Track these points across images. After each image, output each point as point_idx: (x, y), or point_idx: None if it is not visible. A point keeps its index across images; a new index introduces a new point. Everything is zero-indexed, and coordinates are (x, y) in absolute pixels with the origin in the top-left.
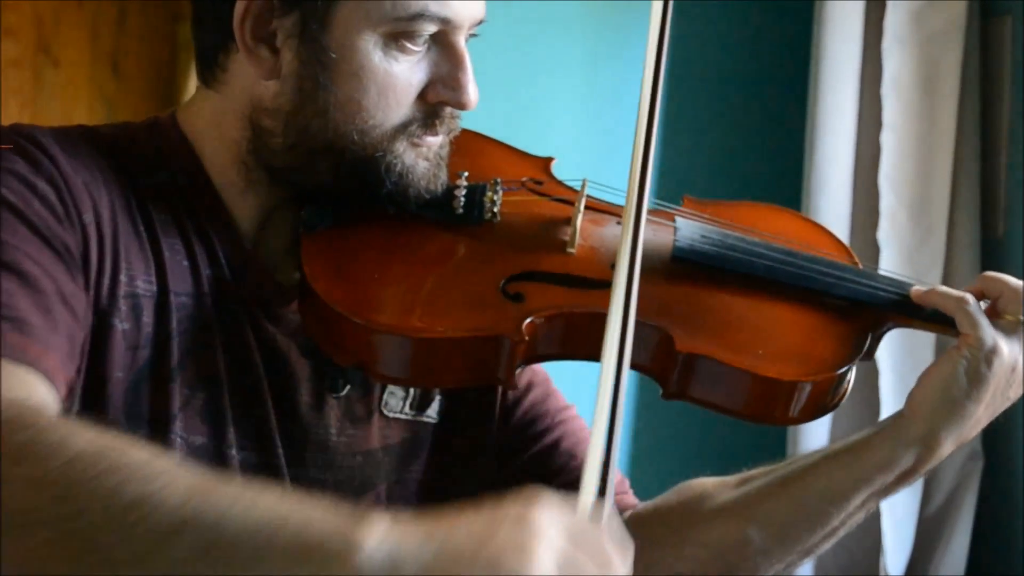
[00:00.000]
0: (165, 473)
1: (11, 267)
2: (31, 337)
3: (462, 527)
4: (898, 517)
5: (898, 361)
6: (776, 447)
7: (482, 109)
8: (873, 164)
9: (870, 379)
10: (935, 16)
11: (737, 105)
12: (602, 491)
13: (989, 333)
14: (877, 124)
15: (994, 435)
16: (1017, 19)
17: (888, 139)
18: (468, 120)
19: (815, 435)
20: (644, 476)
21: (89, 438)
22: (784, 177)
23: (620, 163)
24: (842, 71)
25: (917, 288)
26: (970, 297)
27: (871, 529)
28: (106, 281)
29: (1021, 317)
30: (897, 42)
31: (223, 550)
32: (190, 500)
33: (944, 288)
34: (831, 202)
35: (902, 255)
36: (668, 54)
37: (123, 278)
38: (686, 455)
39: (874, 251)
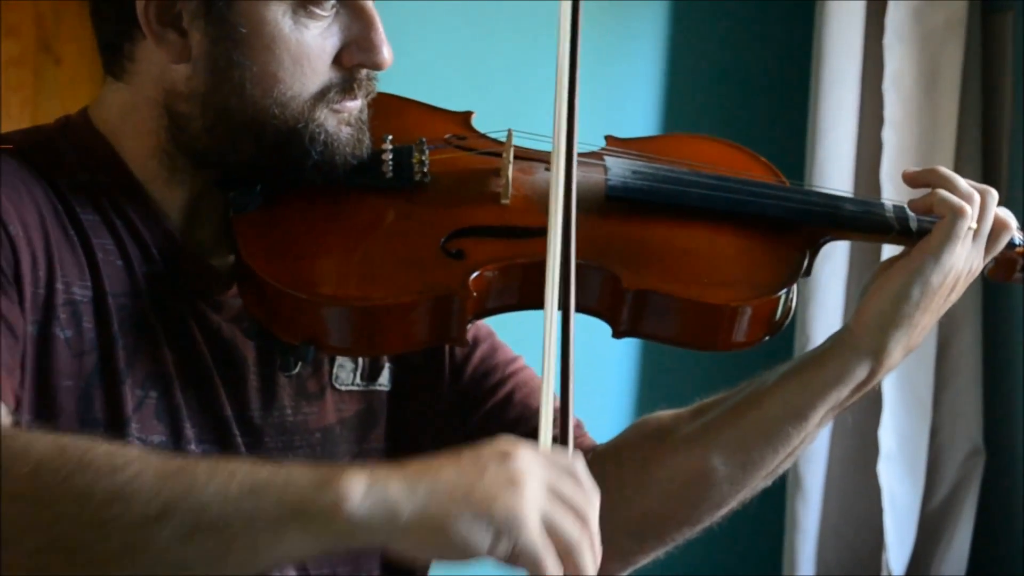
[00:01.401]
0: (133, 462)
1: None
2: None
3: (448, 468)
4: (900, 513)
5: None
6: None
7: (483, 105)
8: (875, 160)
9: None
10: (936, 12)
11: (739, 102)
12: (564, 434)
13: (953, 249)
14: (878, 120)
15: (996, 431)
16: (1018, 15)
17: (889, 135)
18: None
19: None
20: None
21: (48, 442)
22: (785, 173)
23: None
24: (843, 68)
25: (915, 197)
26: (969, 210)
27: (873, 525)
28: (41, 292)
29: (973, 225)
30: (898, 38)
31: (209, 528)
32: (164, 485)
33: (947, 194)
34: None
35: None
36: (667, 52)
37: (59, 286)
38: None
39: (876, 246)
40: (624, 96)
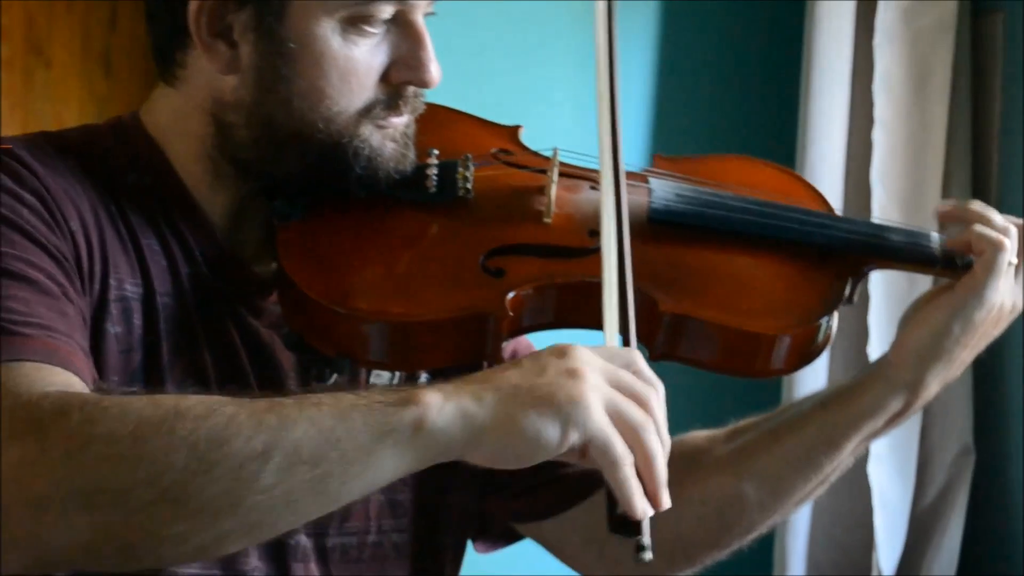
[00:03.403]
0: (225, 404)
1: (21, 276)
2: (58, 340)
3: (511, 372)
4: (890, 513)
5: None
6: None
7: (482, 102)
8: (865, 161)
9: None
10: (926, 13)
11: (729, 103)
12: (625, 333)
13: (996, 285)
14: (868, 121)
15: (986, 430)
16: (1008, 16)
17: (879, 136)
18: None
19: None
20: None
21: (140, 400)
22: None
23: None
24: (833, 68)
25: (949, 225)
26: (1008, 244)
27: (863, 525)
28: (97, 286)
29: (1013, 260)
30: (888, 39)
31: (309, 459)
32: (261, 423)
33: (984, 229)
34: (828, 200)
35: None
36: (658, 52)
37: (112, 282)
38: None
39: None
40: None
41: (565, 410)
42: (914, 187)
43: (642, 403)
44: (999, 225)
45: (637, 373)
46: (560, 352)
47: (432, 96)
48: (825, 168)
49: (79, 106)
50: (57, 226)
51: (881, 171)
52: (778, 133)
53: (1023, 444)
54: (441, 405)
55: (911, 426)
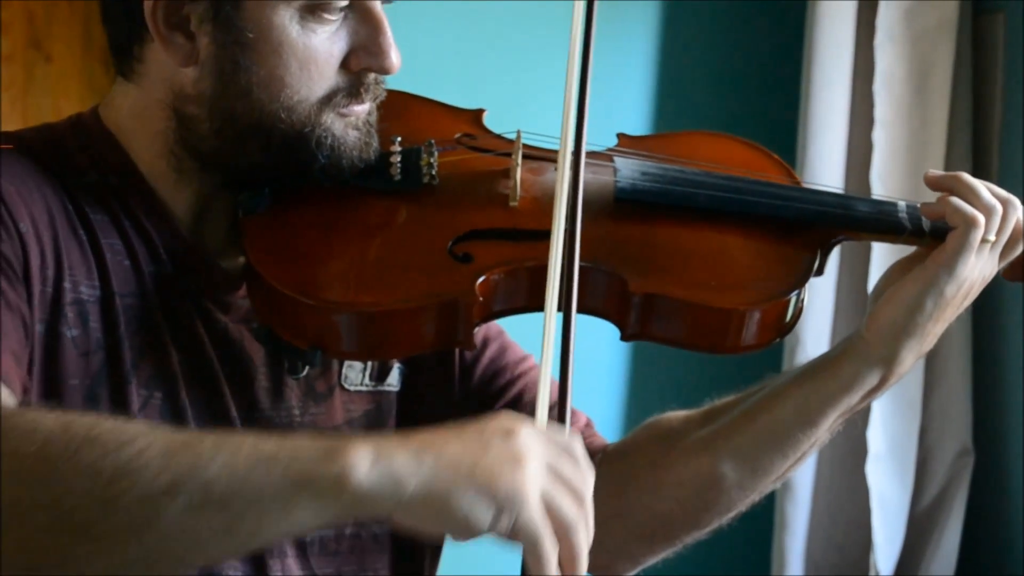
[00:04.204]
0: (139, 437)
1: None
2: None
3: (453, 443)
4: (889, 513)
5: None
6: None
7: (478, 98)
8: (865, 161)
9: None
10: (927, 13)
11: (730, 102)
12: (561, 414)
13: (968, 261)
14: (869, 121)
15: (985, 431)
16: (1009, 16)
17: (880, 136)
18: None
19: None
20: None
21: (54, 419)
22: None
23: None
24: (834, 68)
25: (929, 201)
26: (981, 221)
27: (862, 525)
28: (49, 290)
29: (992, 237)
30: (889, 39)
31: (217, 502)
32: (171, 459)
33: (959, 203)
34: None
35: (893, 250)
36: (659, 51)
37: (67, 285)
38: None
39: (865, 245)
40: (616, 95)
41: (502, 499)
42: (914, 187)
43: (577, 495)
44: (984, 202)
45: (575, 461)
46: (505, 432)
47: (434, 94)
48: (825, 167)
49: (79, 100)
50: (4, 228)
51: (881, 171)
52: (779, 132)
53: (1022, 445)
54: (370, 464)
55: (910, 427)
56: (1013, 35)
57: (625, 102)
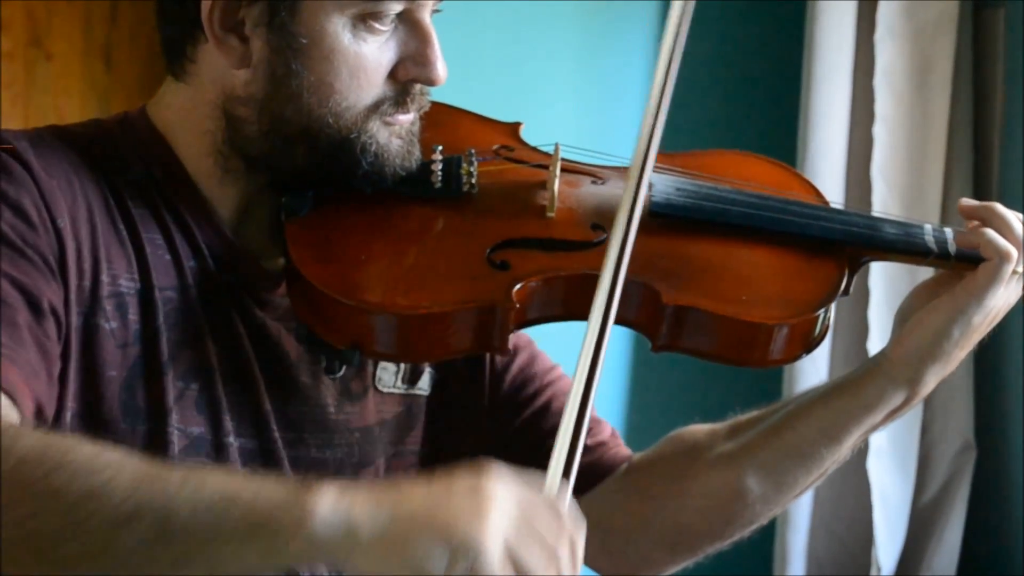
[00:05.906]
0: (111, 465)
1: None
2: None
3: (416, 494)
4: (890, 510)
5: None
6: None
7: (479, 97)
8: (866, 156)
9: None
10: (927, 8)
11: (730, 98)
12: (568, 466)
13: (998, 292)
14: (870, 116)
15: (987, 427)
16: (1010, 10)
17: (881, 131)
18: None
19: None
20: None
21: (34, 439)
22: None
23: (618, 149)
24: (835, 63)
25: (966, 226)
26: (1016, 254)
27: (863, 521)
28: (87, 283)
29: (1021, 269)
30: (889, 34)
31: (174, 535)
32: (137, 489)
33: (995, 236)
34: (823, 193)
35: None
36: (659, 48)
37: (105, 278)
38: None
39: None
40: (615, 93)
41: (456, 545)
42: (915, 182)
43: (548, 552)
44: (1016, 235)
45: (554, 515)
46: (473, 484)
47: (435, 94)
48: (826, 163)
49: (80, 99)
50: (41, 223)
51: (882, 166)
52: (779, 128)
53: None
54: (329, 513)
55: (912, 422)
56: (1013, 30)
57: (625, 100)
